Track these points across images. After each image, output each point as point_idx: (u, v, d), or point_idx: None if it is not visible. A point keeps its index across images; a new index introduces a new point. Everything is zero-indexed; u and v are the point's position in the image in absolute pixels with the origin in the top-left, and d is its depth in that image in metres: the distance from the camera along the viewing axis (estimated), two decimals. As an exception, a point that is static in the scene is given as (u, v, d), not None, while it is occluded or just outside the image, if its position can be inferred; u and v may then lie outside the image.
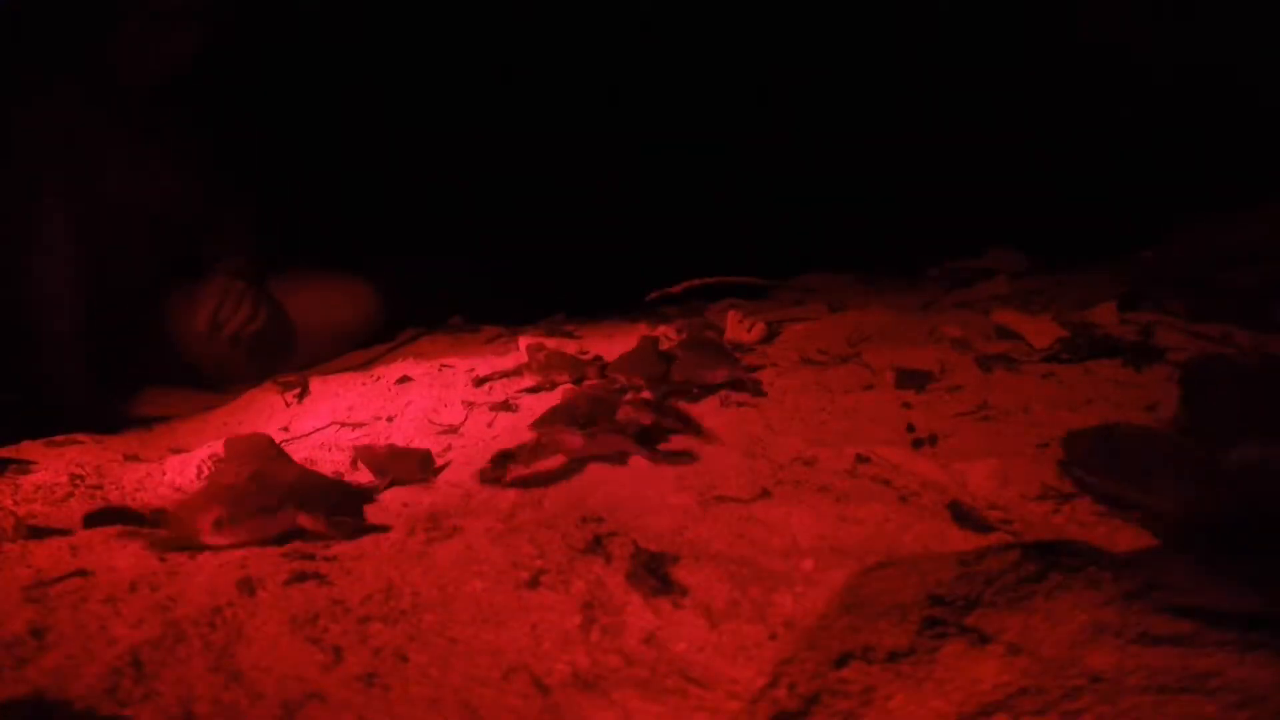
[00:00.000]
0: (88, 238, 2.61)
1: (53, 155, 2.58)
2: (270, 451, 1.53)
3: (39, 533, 1.31)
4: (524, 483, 1.43)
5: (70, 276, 2.58)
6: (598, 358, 2.18)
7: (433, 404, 2.01)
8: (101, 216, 2.66)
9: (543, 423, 1.56)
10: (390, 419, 1.98)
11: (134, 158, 2.77)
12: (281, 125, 3.56)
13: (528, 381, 2.09)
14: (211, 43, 2.71)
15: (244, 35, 2.87)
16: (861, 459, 1.40)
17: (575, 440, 1.48)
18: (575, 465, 1.48)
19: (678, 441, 1.56)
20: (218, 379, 2.89)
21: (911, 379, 1.79)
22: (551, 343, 2.27)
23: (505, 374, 2.15)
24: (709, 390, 1.84)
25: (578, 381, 2.04)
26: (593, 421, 1.53)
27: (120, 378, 2.75)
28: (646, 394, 1.82)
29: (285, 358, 2.98)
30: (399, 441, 1.78)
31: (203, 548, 1.20)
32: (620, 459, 1.47)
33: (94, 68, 2.65)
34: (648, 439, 1.53)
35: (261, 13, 2.91)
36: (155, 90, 2.73)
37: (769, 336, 2.33)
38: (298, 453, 1.73)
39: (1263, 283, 2.25)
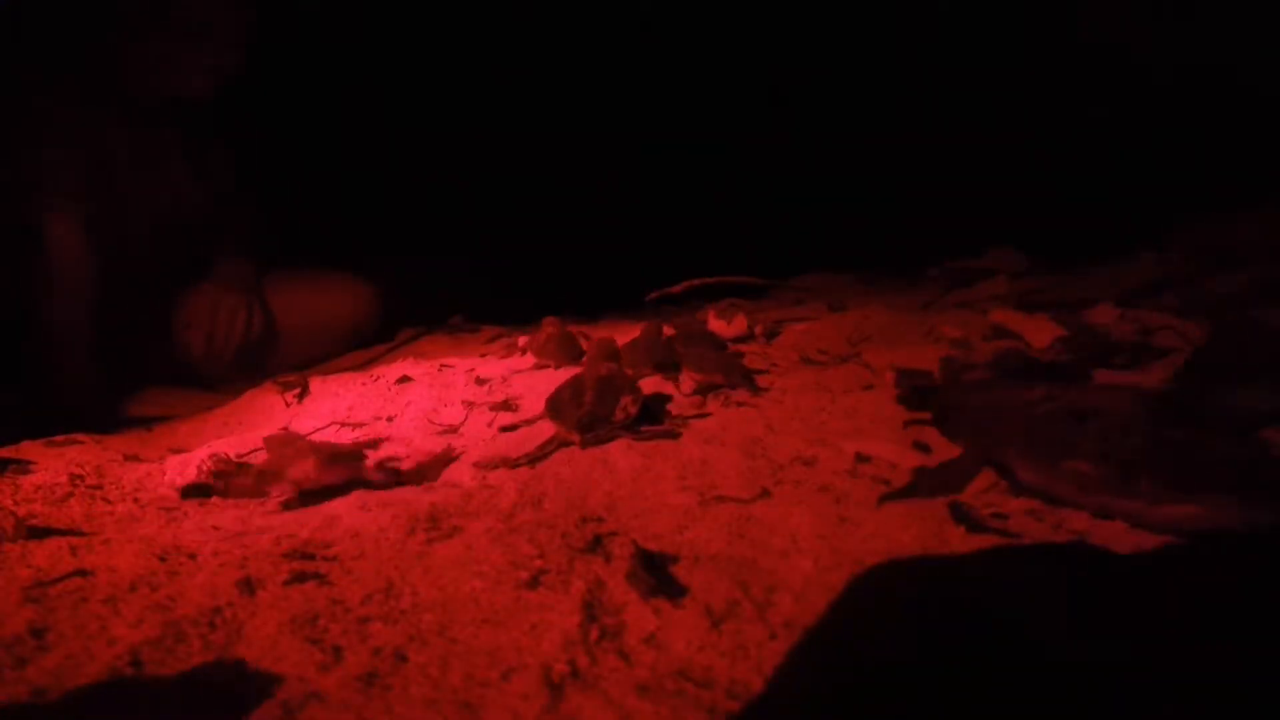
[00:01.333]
0: (95, 240, 2.62)
1: (62, 159, 2.59)
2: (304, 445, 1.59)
3: (39, 533, 1.31)
4: (531, 459, 1.53)
5: (78, 278, 2.59)
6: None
7: (433, 404, 2.01)
8: (109, 219, 2.67)
9: (550, 406, 1.66)
10: (390, 419, 1.98)
11: (142, 161, 2.77)
12: (282, 125, 3.56)
13: (528, 362, 2.12)
14: (235, 57, 2.72)
15: (258, 50, 2.87)
16: (861, 459, 1.40)
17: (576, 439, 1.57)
18: (575, 459, 1.48)
19: (684, 436, 1.58)
20: (216, 380, 2.90)
21: (911, 379, 1.78)
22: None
23: (509, 352, 2.25)
24: (712, 389, 1.85)
25: (576, 360, 2.12)
26: (596, 411, 1.59)
27: (122, 377, 2.75)
28: (653, 380, 1.90)
29: (273, 360, 2.99)
30: (399, 441, 1.78)
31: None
32: (622, 451, 1.49)
33: (105, 75, 2.66)
34: (648, 434, 1.59)
35: (264, 15, 2.91)
36: (176, 101, 2.74)
37: (766, 334, 2.34)
38: (298, 453, 1.72)
39: (1255, 284, 2.25)
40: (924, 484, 1.18)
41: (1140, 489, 0.94)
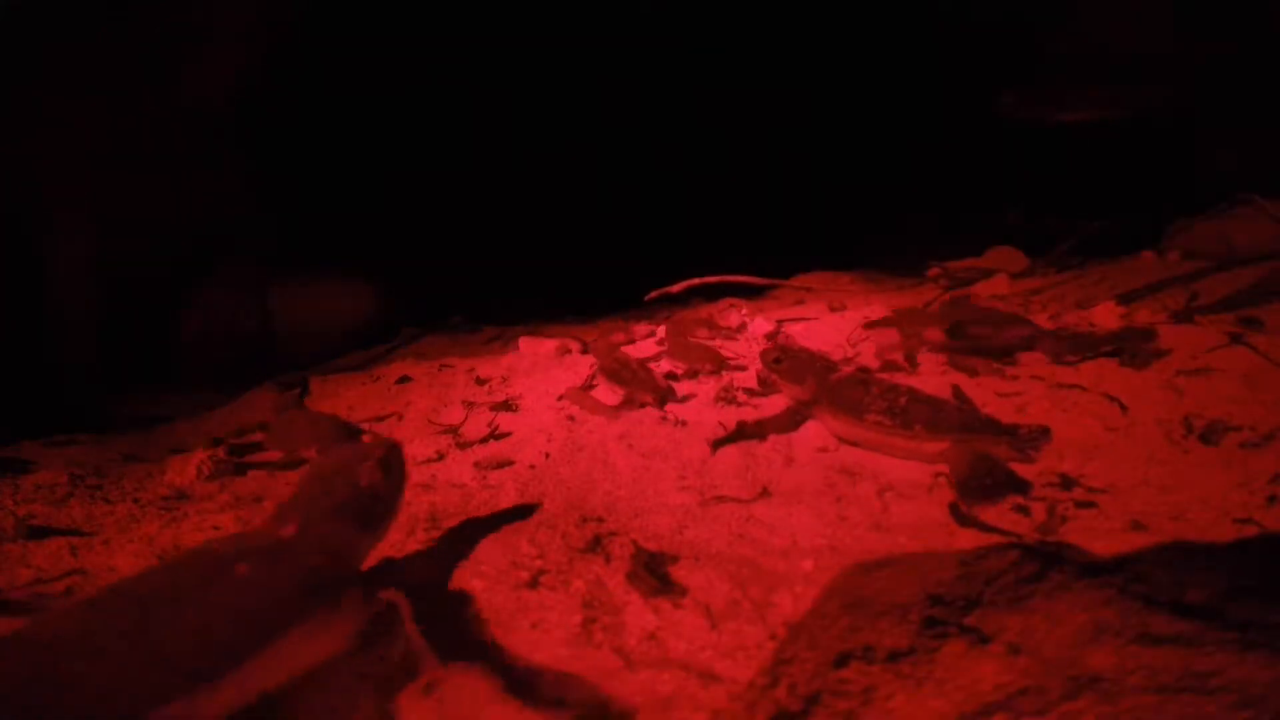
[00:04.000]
0: (101, 241, 2.62)
1: (67, 161, 2.59)
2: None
3: (39, 532, 1.31)
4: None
5: (80, 275, 2.59)
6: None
7: (433, 404, 2.01)
8: (116, 221, 2.67)
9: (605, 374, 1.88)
10: (389, 418, 1.98)
11: (147, 160, 2.77)
12: (288, 128, 3.55)
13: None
14: (255, 64, 2.73)
15: (275, 54, 2.87)
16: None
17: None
18: (575, 459, 1.49)
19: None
20: (215, 380, 2.90)
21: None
22: (555, 343, 2.28)
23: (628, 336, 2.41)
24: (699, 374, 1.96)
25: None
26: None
27: (122, 377, 2.75)
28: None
29: (273, 359, 2.98)
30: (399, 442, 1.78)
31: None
32: (622, 451, 1.49)
33: (111, 75, 2.66)
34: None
35: (292, 32, 2.92)
36: (203, 106, 2.75)
37: (767, 334, 2.34)
38: (298, 453, 1.73)
39: (1253, 283, 2.25)
40: (749, 429, 1.53)
41: (915, 432, 1.33)
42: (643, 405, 1.74)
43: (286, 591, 0.70)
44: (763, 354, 1.69)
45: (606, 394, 1.86)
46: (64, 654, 0.60)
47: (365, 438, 1.81)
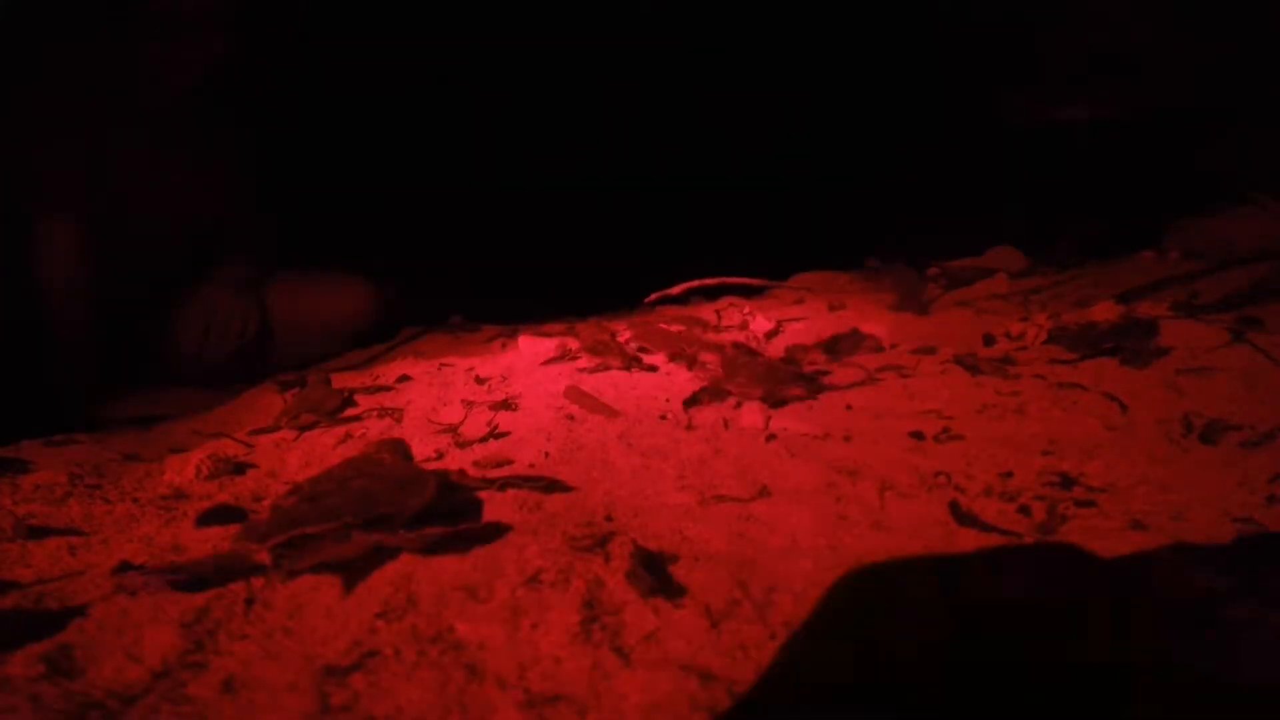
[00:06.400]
0: (99, 242, 2.62)
1: (58, 155, 2.58)
2: None
3: (38, 532, 1.31)
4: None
5: (74, 279, 2.59)
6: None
7: (433, 404, 2.01)
8: (114, 221, 2.67)
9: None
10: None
11: (144, 159, 2.76)
12: (287, 124, 3.55)
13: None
14: (232, 51, 2.72)
15: (253, 39, 2.86)
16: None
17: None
18: (574, 458, 1.49)
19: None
20: (212, 381, 2.89)
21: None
22: (554, 341, 2.28)
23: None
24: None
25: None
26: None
27: (123, 377, 2.75)
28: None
29: (272, 360, 2.98)
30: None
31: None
32: (621, 450, 1.50)
33: (110, 75, 2.65)
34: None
35: (269, 17, 2.91)
36: (177, 99, 2.74)
37: (766, 333, 2.35)
38: (297, 452, 1.72)
39: (1254, 282, 2.25)
40: (703, 397, 1.81)
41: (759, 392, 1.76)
42: (609, 368, 2.05)
43: (410, 473, 1.30)
44: (718, 349, 2.07)
45: (587, 364, 2.10)
46: (333, 490, 1.18)
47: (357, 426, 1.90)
